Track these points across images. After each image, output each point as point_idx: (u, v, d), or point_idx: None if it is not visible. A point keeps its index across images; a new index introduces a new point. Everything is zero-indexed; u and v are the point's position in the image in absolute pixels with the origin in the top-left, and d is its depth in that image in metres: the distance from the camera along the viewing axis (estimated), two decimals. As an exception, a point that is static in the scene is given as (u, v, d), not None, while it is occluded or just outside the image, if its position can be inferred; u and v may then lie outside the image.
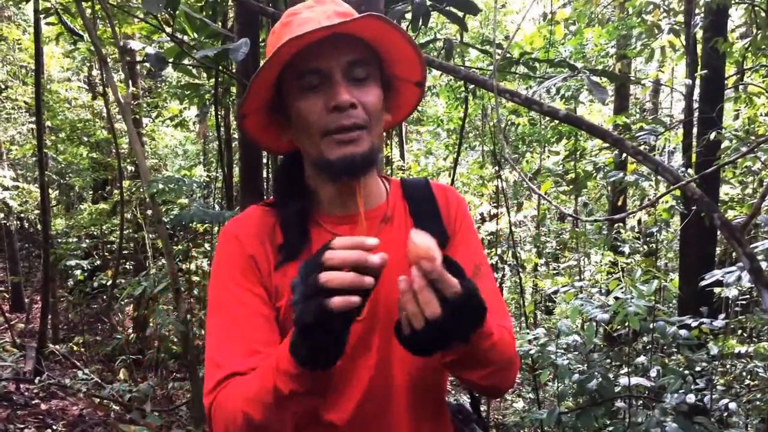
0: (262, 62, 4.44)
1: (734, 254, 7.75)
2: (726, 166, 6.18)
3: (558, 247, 9.63)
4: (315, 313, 0.85)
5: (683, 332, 3.42)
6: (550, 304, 10.79)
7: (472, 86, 5.30)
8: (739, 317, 5.59)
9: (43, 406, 5.50)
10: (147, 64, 9.25)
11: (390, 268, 1.17)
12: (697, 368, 3.70)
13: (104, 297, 9.12)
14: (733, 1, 5.73)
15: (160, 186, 4.14)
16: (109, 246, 10.65)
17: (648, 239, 8.23)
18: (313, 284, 0.85)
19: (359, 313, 0.87)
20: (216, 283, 1.19)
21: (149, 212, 7.90)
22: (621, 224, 7.54)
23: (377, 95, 1.15)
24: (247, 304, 1.14)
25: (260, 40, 4.25)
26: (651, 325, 3.51)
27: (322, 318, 0.85)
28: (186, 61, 4.00)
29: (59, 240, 9.49)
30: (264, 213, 1.24)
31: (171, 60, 3.74)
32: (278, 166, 1.44)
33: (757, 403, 3.92)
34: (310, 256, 0.91)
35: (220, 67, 4.00)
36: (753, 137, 5.95)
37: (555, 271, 9.23)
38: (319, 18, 1.12)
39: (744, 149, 4.70)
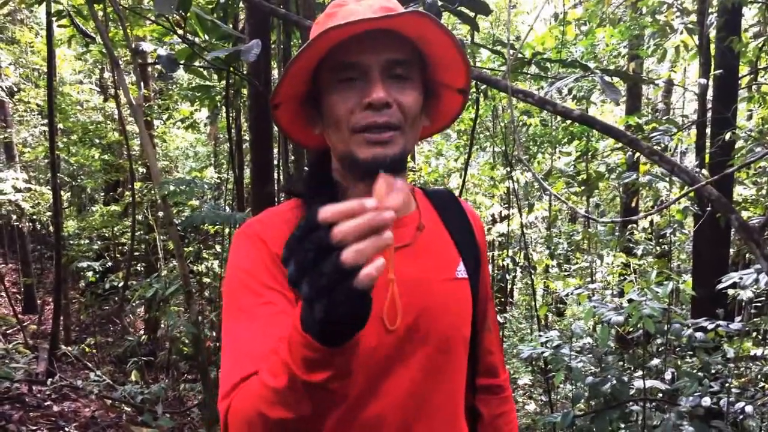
0: (274, 63, 4.42)
1: (747, 255, 7.69)
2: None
3: (570, 249, 9.60)
4: (352, 306, 0.72)
5: (699, 335, 3.39)
6: (561, 305, 10.76)
7: (483, 87, 5.28)
8: (755, 319, 5.53)
9: (56, 408, 5.51)
10: (158, 66, 9.28)
11: (428, 278, 1.16)
12: (712, 371, 3.66)
13: (116, 298, 9.15)
14: (747, 0, 5.68)
15: (172, 188, 4.14)
16: (120, 248, 10.68)
17: (660, 240, 8.18)
18: (333, 272, 0.70)
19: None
20: (235, 284, 1.10)
21: (160, 214, 7.92)
22: (634, 225, 7.49)
23: (415, 97, 1.10)
24: (274, 303, 1.05)
25: (271, 41, 4.26)
26: (665, 328, 3.48)
27: (337, 279, 0.69)
28: (197, 63, 4.00)
29: (71, 242, 9.52)
30: (290, 208, 1.20)
31: (182, 62, 3.74)
32: (309, 160, 1.39)
33: (774, 406, 3.88)
34: (292, 237, 0.74)
35: (232, 69, 4.00)
36: (767, 137, 5.90)
37: (566, 273, 9.19)
38: (364, 12, 1.07)
39: (758, 149, 4.66)
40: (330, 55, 1.07)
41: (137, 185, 8.18)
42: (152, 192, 7.75)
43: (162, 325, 8.38)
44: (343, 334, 0.77)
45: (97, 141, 9.57)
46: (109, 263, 9.65)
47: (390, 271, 1.10)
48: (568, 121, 6.80)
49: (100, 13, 5.38)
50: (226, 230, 7.03)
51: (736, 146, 5.16)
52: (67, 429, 5.07)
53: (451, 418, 1.19)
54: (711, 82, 5.56)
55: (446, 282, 1.19)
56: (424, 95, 1.16)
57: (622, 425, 3.47)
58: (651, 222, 7.96)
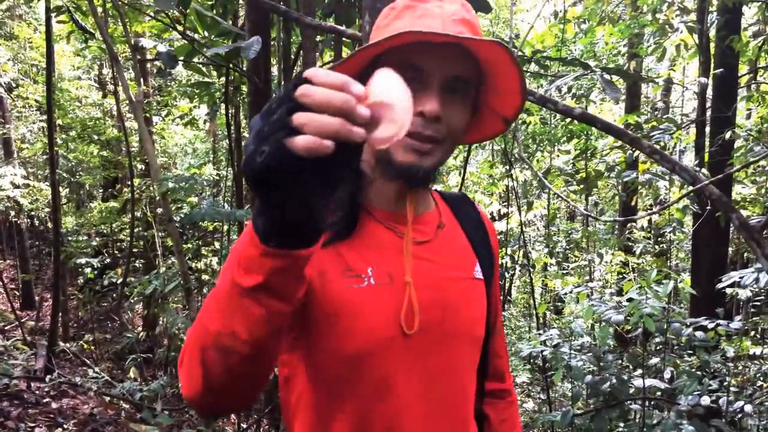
0: (273, 60, 4.40)
1: (746, 255, 7.70)
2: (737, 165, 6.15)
3: (569, 247, 9.60)
4: (270, 154, 0.64)
5: (699, 334, 3.39)
6: (559, 304, 10.76)
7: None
8: (754, 318, 5.54)
9: (54, 405, 5.50)
10: (157, 63, 9.26)
11: (447, 275, 1.16)
12: (711, 369, 3.67)
13: (114, 295, 9.14)
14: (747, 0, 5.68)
15: (171, 184, 4.14)
16: (119, 244, 10.67)
17: (659, 239, 8.18)
18: (278, 120, 0.65)
19: (356, 183, 0.72)
20: (232, 252, 1.02)
21: (159, 210, 7.90)
22: (633, 224, 7.49)
23: (465, 117, 1.10)
24: None
25: (271, 38, 4.24)
26: (665, 326, 3.49)
27: (280, 163, 0.64)
28: (197, 60, 3.99)
29: (69, 238, 9.51)
30: None
31: (182, 58, 3.74)
32: None
33: (772, 404, 3.89)
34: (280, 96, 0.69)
35: (231, 66, 4.00)
36: (766, 137, 5.89)
37: (565, 271, 9.20)
38: (444, 18, 1.05)
39: (758, 149, 4.66)
40: (396, 49, 1.04)
41: (136, 182, 8.15)
42: (151, 188, 7.74)
43: (161, 322, 8.38)
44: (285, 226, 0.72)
45: (96, 137, 9.55)
46: (108, 260, 9.65)
47: (407, 273, 1.10)
48: (568, 120, 6.79)
49: (100, 9, 5.37)
50: (225, 227, 7.01)
51: (736, 145, 5.17)
52: (65, 426, 5.07)
53: (463, 417, 1.18)
54: (710, 81, 5.56)
55: (464, 281, 1.19)
56: (471, 116, 1.15)
57: (622, 424, 3.47)
58: (650, 220, 7.98)
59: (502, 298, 10.50)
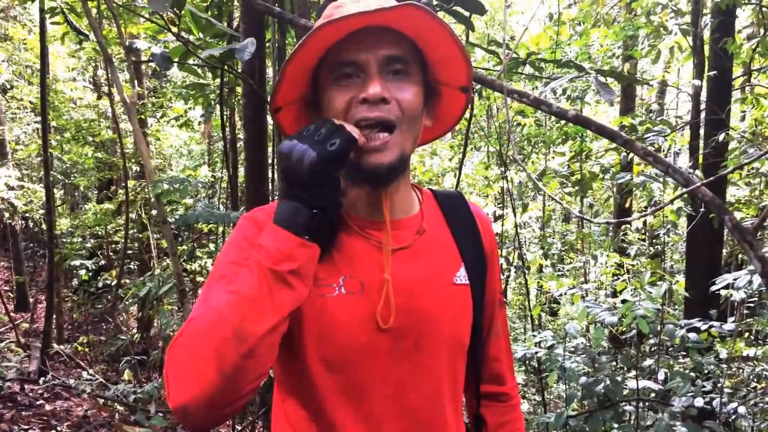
0: (268, 62, 4.39)
1: (740, 256, 7.73)
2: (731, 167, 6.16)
3: (563, 249, 9.60)
4: (342, 140, 0.97)
5: (692, 335, 3.40)
6: (554, 305, 10.77)
7: (478, 86, 5.27)
8: (747, 320, 5.55)
9: (48, 407, 5.49)
10: (152, 64, 9.24)
11: (424, 282, 1.15)
12: (704, 371, 3.68)
13: (109, 297, 9.11)
14: (741, 2, 5.70)
15: (165, 186, 4.12)
16: (113, 246, 10.63)
17: (654, 241, 8.20)
18: (334, 127, 0.99)
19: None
20: (222, 257, 1.10)
21: (154, 212, 7.89)
22: (627, 226, 7.50)
23: (415, 93, 1.09)
24: None
25: (266, 39, 4.24)
26: (659, 328, 3.49)
27: (346, 147, 0.97)
28: (191, 61, 3.99)
29: (64, 240, 9.49)
30: None
31: (176, 60, 3.72)
32: None
33: (765, 406, 3.89)
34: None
35: (226, 67, 3.99)
36: (760, 138, 5.93)
37: (560, 273, 9.20)
38: (363, 8, 1.05)
39: (751, 151, 4.67)
40: (328, 55, 1.07)
41: (131, 183, 8.13)
42: (146, 190, 7.73)
43: (155, 324, 8.36)
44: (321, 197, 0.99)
45: (91, 139, 9.52)
46: (102, 262, 9.62)
47: (386, 270, 1.10)
48: (563, 122, 6.81)
49: (94, 11, 5.35)
50: (220, 229, 7.01)
51: (730, 147, 5.19)
52: (59, 428, 5.05)
53: (438, 424, 1.16)
54: (705, 83, 5.58)
55: (443, 287, 1.17)
56: (426, 94, 1.15)
57: (616, 425, 3.48)
58: (644, 222, 7.99)
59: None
